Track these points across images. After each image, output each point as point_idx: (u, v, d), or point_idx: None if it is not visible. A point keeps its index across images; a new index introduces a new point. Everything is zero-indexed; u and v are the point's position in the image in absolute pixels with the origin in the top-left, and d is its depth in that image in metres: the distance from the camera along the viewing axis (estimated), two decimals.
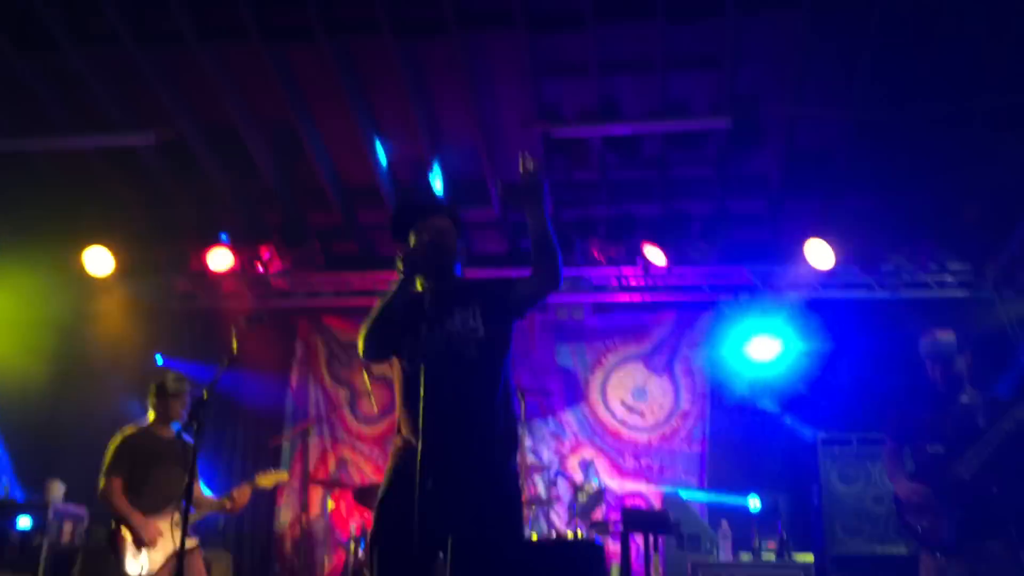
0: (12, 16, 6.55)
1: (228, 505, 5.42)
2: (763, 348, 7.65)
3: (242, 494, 5.44)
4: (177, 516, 5.09)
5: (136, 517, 5.03)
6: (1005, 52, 6.11)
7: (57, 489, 7.03)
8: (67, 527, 6.84)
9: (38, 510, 6.68)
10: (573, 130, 7.08)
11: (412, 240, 3.44)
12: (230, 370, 4.51)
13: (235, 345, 4.54)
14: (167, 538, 5.11)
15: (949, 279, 7.61)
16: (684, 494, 7.23)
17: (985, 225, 7.14)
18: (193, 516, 4.98)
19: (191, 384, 5.45)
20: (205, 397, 4.13)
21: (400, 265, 3.27)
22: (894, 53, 6.33)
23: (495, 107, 7.15)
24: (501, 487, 3.22)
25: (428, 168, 7.51)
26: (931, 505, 4.43)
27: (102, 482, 5.14)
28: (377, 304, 3.31)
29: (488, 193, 7.71)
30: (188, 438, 4.74)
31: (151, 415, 5.37)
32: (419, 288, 3.41)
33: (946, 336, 4.63)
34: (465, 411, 3.21)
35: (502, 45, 6.58)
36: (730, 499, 7.36)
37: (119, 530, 5.04)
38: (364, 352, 3.35)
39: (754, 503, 6.84)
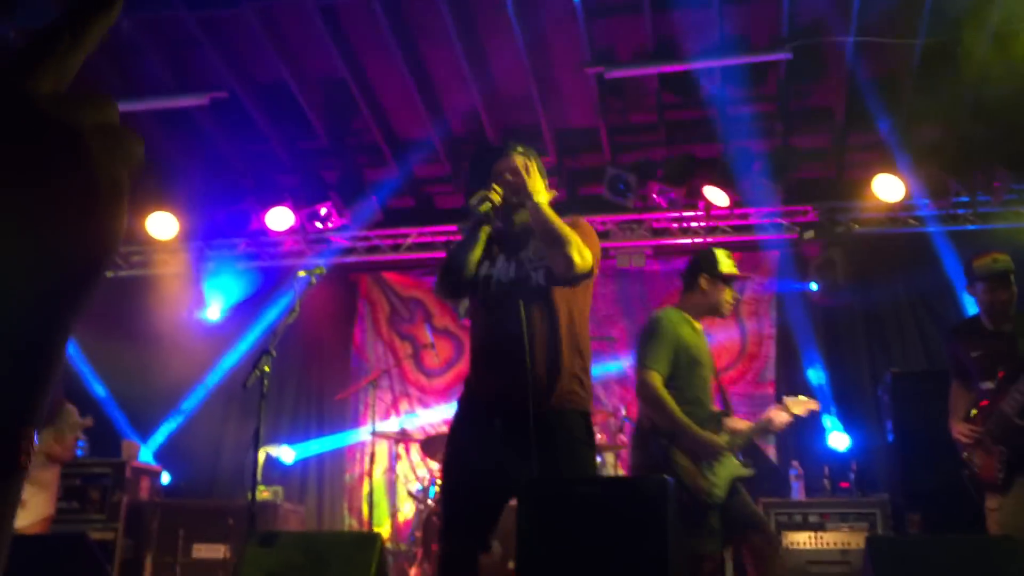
0: None
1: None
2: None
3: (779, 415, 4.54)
4: None
5: None
6: None
7: (133, 449, 7.23)
8: (144, 484, 7.05)
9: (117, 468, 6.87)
10: (628, 71, 6.93)
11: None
12: (295, 326, 4.57)
13: (298, 301, 4.59)
14: None
15: None
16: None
17: None
18: None
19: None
20: (271, 349, 4.16)
21: (475, 205, 3.26)
22: None
23: (546, 52, 7.04)
24: (568, 424, 3.16)
25: (483, 119, 7.45)
26: (982, 444, 4.30)
27: None
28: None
29: (544, 140, 7.61)
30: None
31: None
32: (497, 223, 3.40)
33: (1003, 256, 4.46)
34: (530, 335, 3.16)
35: None
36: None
37: None
38: (437, 284, 3.39)
39: (842, 440, 6.73)
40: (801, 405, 4.66)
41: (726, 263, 4.31)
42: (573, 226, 3.32)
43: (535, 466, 3.04)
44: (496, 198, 3.27)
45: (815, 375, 7.61)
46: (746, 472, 4.16)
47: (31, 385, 0.52)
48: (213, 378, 8.35)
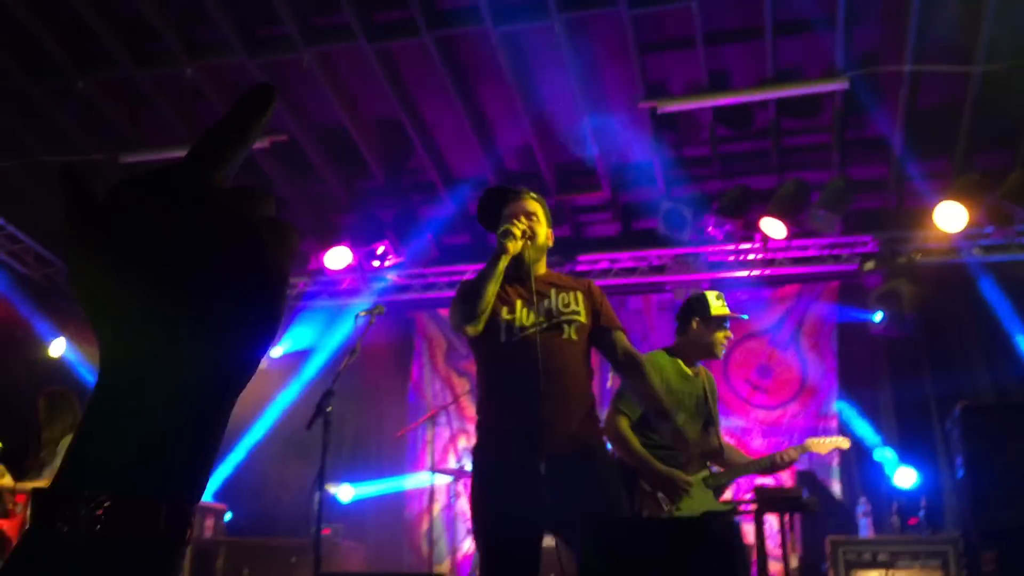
0: (129, 31, 6.80)
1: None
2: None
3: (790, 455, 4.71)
4: None
5: None
6: None
7: None
8: (208, 523, 7.11)
9: None
10: (681, 105, 6.93)
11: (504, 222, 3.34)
12: (353, 363, 4.60)
13: (358, 341, 4.62)
14: None
15: None
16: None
17: None
18: None
19: None
20: (333, 387, 4.20)
21: (500, 236, 3.22)
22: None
23: (600, 88, 7.07)
24: (605, 466, 3.25)
25: (536, 155, 7.49)
26: None
27: None
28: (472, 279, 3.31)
29: (598, 175, 7.63)
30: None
31: None
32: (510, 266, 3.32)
33: None
34: (564, 383, 3.18)
35: (604, 24, 6.49)
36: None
37: None
38: (452, 313, 3.30)
39: (909, 476, 6.60)
40: (826, 445, 4.80)
41: (716, 305, 4.45)
42: (589, 293, 3.36)
43: (582, 508, 3.05)
44: (517, 232, 3.23)
45: (872, 410, 7.46)
46: (722, 508, 4.27)
47: (199, 465, 0.54)
48: (270, 415, 8.43)
